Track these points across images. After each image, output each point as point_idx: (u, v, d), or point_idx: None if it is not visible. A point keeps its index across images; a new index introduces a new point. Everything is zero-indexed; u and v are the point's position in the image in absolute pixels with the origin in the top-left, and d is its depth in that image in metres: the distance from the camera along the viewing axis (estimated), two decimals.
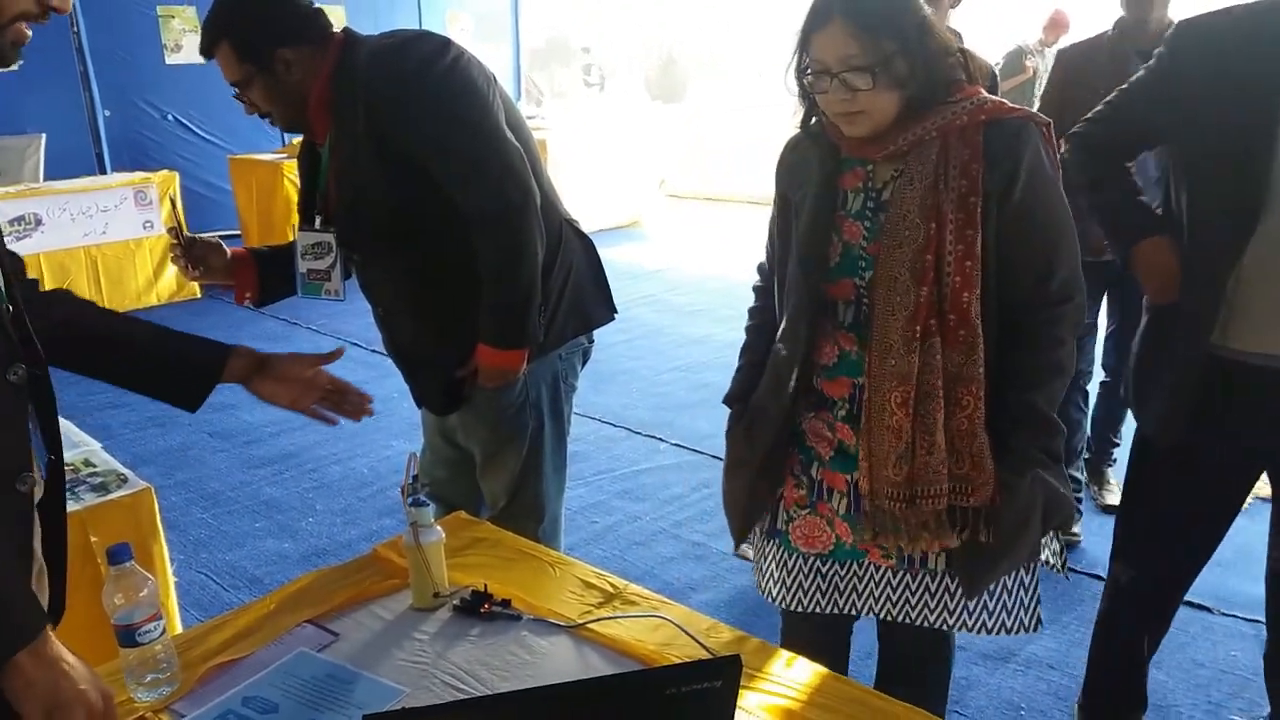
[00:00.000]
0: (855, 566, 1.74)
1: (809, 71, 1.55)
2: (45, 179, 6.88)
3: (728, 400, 1.86)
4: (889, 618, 1.75)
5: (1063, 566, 1.81)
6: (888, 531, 1.62)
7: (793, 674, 1.42)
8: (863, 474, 1.62)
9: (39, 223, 5.99)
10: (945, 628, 1.73)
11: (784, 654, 1.48)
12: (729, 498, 1.85)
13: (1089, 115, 2.06)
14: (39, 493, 1.24)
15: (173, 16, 8.13)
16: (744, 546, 1.93)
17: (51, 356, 1.27)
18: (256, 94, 1.93)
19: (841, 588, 1.76)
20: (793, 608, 1.81)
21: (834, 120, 1.58)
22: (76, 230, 6.16)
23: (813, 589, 1.78)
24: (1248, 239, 1.73)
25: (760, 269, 1.90)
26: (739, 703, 1.27)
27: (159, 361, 1.56)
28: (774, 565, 1.83)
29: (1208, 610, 2.88)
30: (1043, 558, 1.76)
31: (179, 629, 2.30)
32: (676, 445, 4.23)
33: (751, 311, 1.89)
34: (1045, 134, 1.57)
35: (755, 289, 1.90)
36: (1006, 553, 1.62)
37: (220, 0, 1.91)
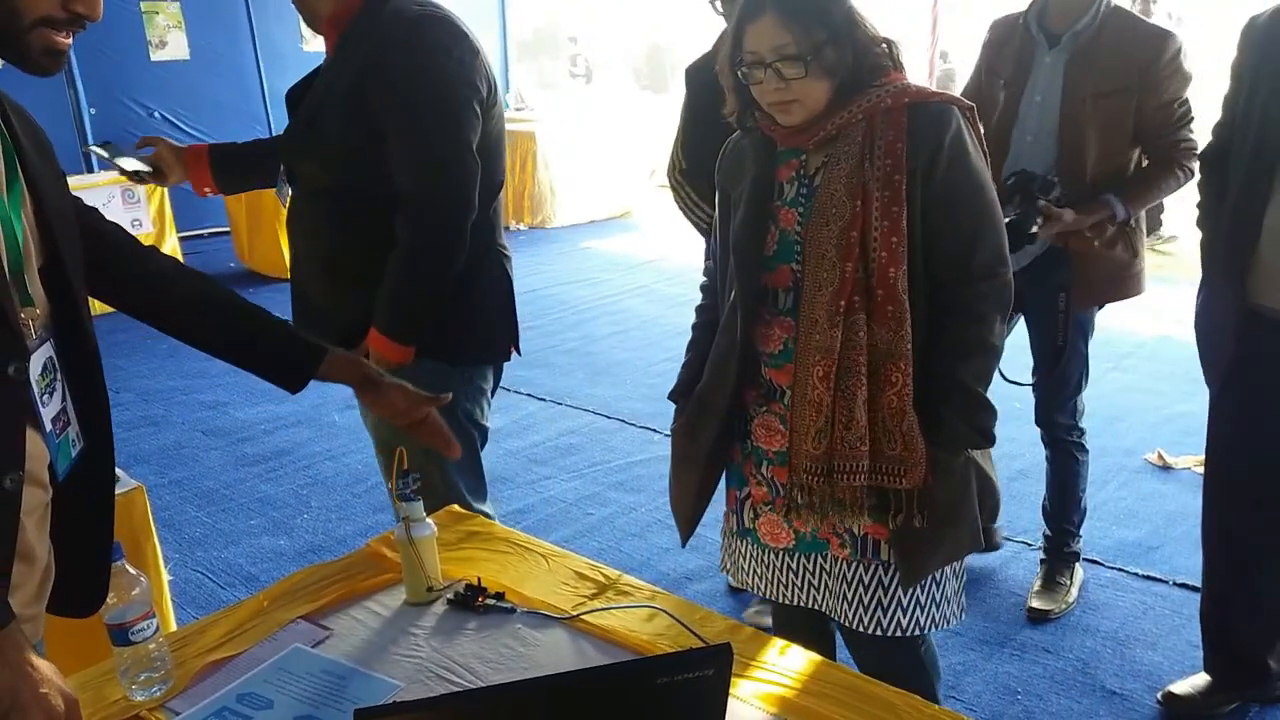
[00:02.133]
0: (820, 559, 1.76)
1: (743, 64, 1.59)
2: None
3: (672, 396, 1.89)
4: (846, 623, 1.74)
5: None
6: (800, 508, 1.65)
7: (786, 661, 1.42)
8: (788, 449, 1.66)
9: None
10: (898, 632, 1.71)
11: (777, 642, 1.48)
12: (675, 495, 1.89)
13: (1214, 134, 2.16)
14: (43, 495, 1.23)
15: (157, 12, 8.07)
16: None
17: (146, 316, 1.44)
18: None
19: (814, 581, 1.78)
20: (773, 598, 1.84)
21: (769, 110, 1.62)
22: None
23: (789, 581, 1.80)
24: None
25: (706, 269, 1.93)
26: (732, 691, 1.28)
27: (260, 344, 1.58)
28: (753, 562, 1.85)
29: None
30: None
31: (174, 627, 2.30)
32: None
33: (698, 309, 1.92)
34: (969, 117, 1.62)
35: (702, 288, 1.93)
36: (944, 538, 1.64)
37: None
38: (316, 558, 3.22)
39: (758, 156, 1.71)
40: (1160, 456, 3.81)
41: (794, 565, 1.79)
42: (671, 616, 1.50)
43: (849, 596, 1.73)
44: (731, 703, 1.23)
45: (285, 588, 1.65)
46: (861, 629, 1.72)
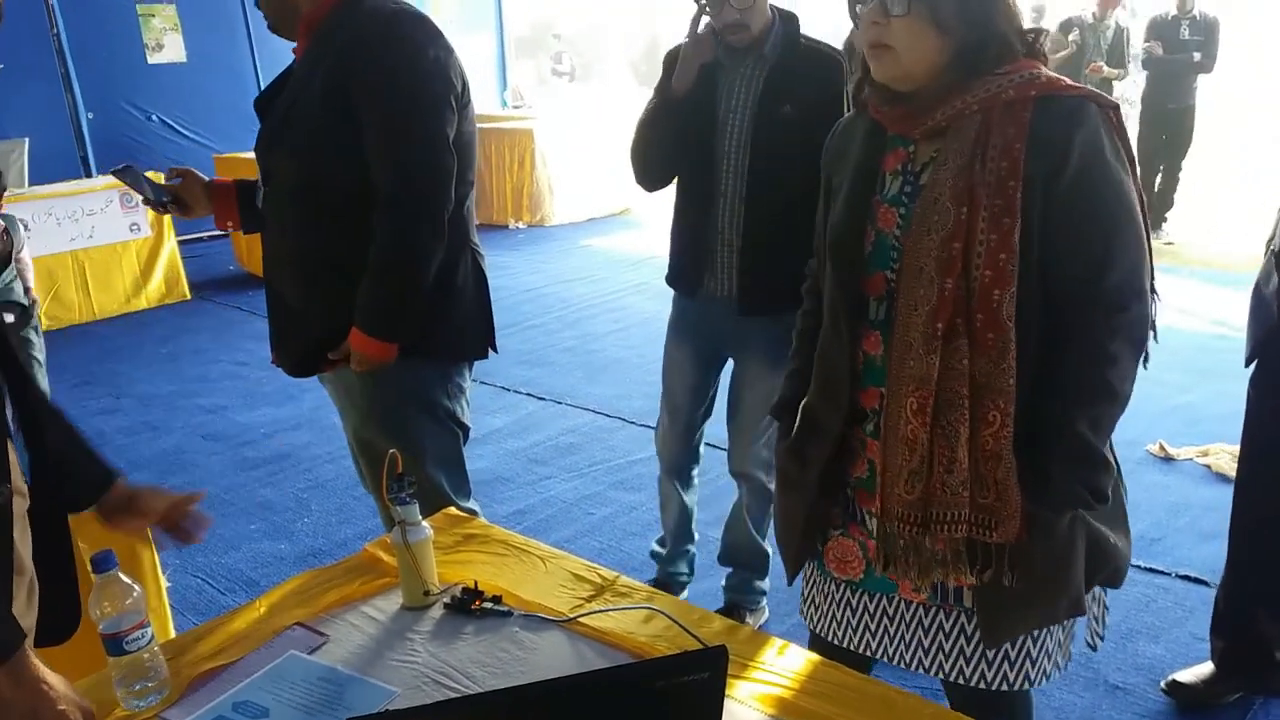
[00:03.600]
0: (885, 602, 1.58)
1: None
2: (30, 184, 6.84)
3: (774, 412, 1.72)
4: (922, 670, 1.57)
5: (1098, 637, 1.62)
6: (898, 558, 1.46)
7: (784, 662, 1.41)
8: (877, 491, 1.47)
9: (25, 229, 5.93)
10: (982, 684, 1.53)
11: (776, 642, 1.47)
12: (781, 527, 1.69)
13: None
14: (23, 503, 1.23)
15: (153, 15, 8.07)
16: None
17: None
18: None
19: (872, 626, 1.60)
20: (822, 635, 1.69)
21: (867, 57, 1.42)
22: (63, 235, 6.13)
23: (844, 621, 1.64)
24: None
25: (808, 267, 1.75)
26: (730, 692, 1.27)
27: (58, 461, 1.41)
28: (812, 588, 1.70)
29: (1205, 584, 2.88)
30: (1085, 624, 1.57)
31: (173, 634, 2.29)
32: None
33: (801, 314, 1.72)
34: (1111, 117, 1.39)
35: (805, 290, 1.74)
36: (1036, 601, 1.44)
37: None
38: (317, 561, 3.22)
39: (865, 140, 1.51)
40: (1162, 448, 3.80)
41: (854, 603, 1.61)
42: (669, 617, 1.49)
43: (925, 643, 1.55)
44: (729, 704, 1.22)
45: (281, 593, 1.64)
46: (941, 676, 1.56)
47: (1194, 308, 5.49)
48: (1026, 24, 1.44)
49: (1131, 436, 3.92)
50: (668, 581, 2.84)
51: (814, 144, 2.27)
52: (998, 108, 1.36)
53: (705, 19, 2.23)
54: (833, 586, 1.64)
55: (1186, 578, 2.94)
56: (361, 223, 1.96)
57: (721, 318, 2.46)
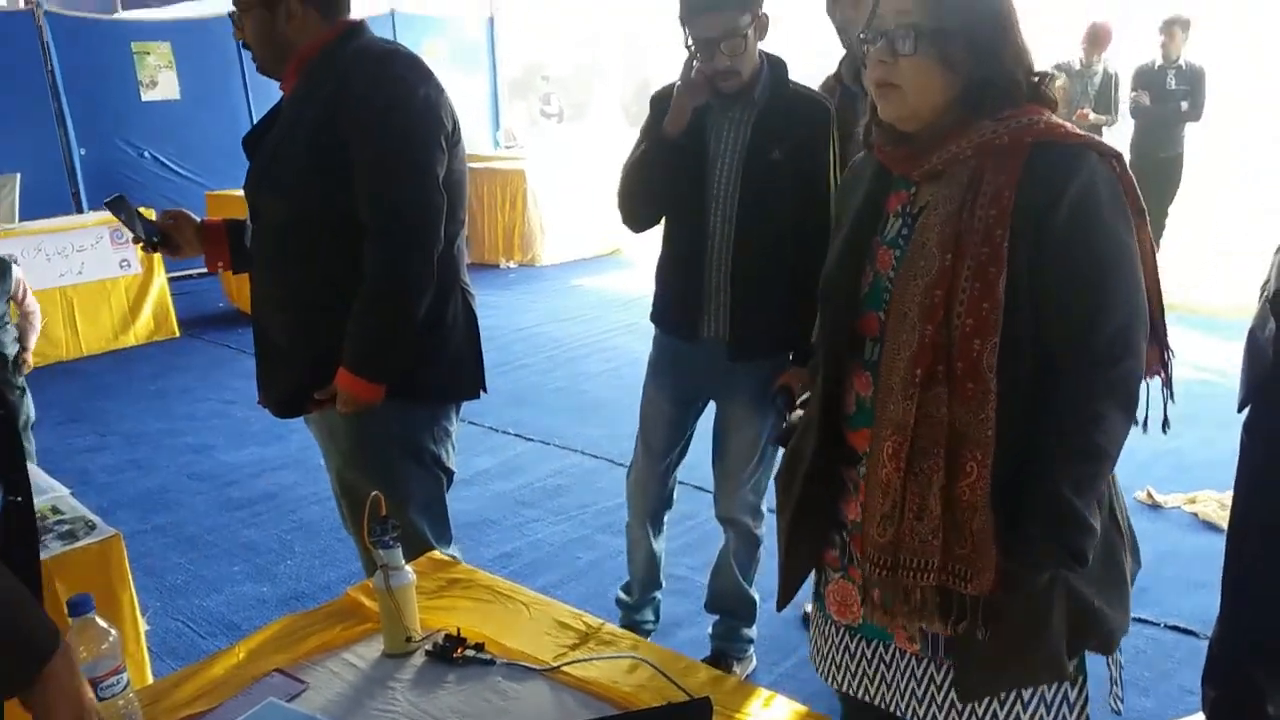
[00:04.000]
0: (882, 649, 1.56)
1: (867, 37, 1.41)
2: (21, 219, 6.83)
3: (779, 440, 1.76)
4: (905, 717, 1.55)
5: (1119, 700, 1.57)
6: (872, 600, 1.44)
7: (770, 713, 1.40)
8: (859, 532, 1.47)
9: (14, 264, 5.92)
10: None
11: (762, 693, 1.45)
12: (778, 549, 1.66)
13: None
14: None
15: (148, 53, 8.11)
16: None
17: None
18: (250, 25, 2.00)
19: (870, 674, 1.58)
20: (827, 682, 1.67)
21: (873, 95, 1.43)
22: (52, 270, 6.12)
23: (844, 667, 1.62)
24: None
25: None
26: None
27: None
28: (816, 634, 1.68)
29: (1194, 635, 2.87)
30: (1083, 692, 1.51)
31: (150, 679, 2.26)
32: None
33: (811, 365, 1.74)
34: (1115, 166, 1.36)
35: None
36: (1009, 659, 1.41)
37: None
38: (299, 605, 3.18)
39: (872, 180, 1.51)
40: (1149, 495, 3.80)
41: (853, 649, 1.60)
42: (654, 667, 1.48)
43: (919, 694, 1.52)
44: None
45: (261, 639, 1.62)
46: None
47: (1179, 354, 5.49)
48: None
49: (1119, 483, 3.90)
50: (634, 630, 2.81)
51: (802, 188, 2.31)
52: (992, 153, 1.35)
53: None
54: (834, 631, 1.62)
55: (1175, 628, 2.92)
56: (350, 262, 1.96)
57: (709, 360, 2.45)
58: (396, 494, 2.06)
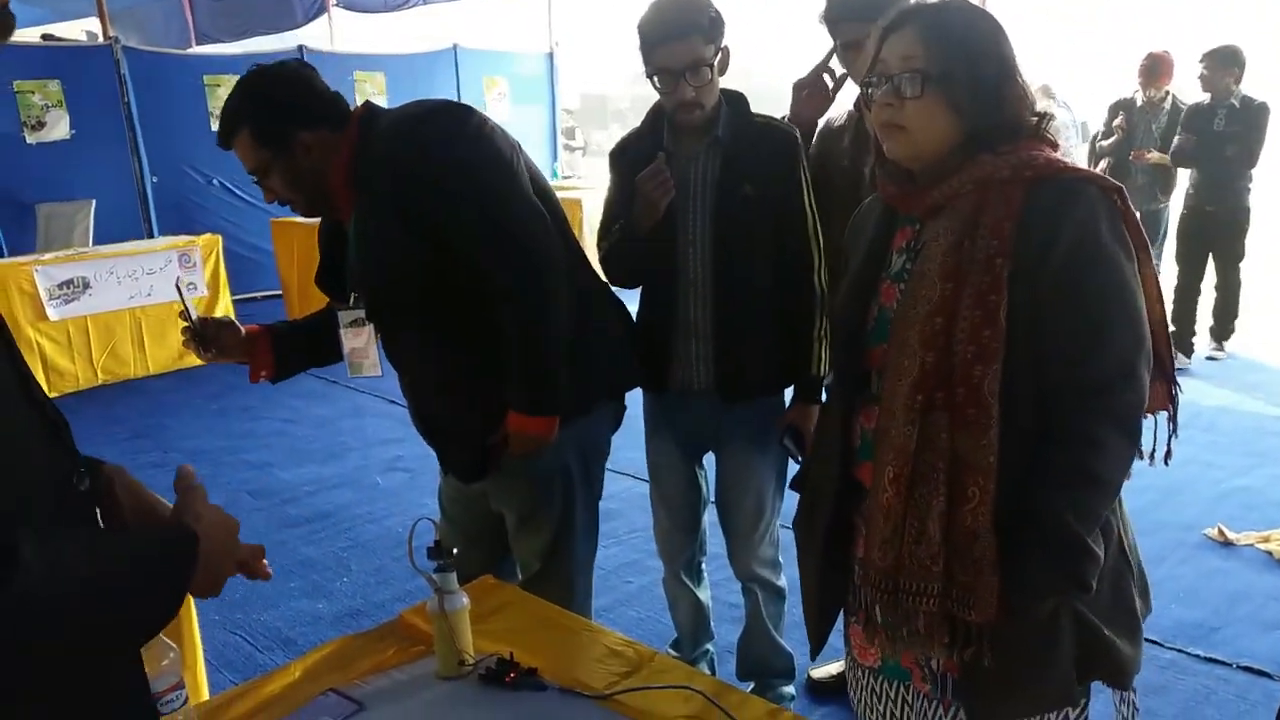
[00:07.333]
0: (903, 690, 1.55)
1: (872, 81, 1.44)
2: (95, 243, 7.06)
3: (792, 485, 1.75)
4: None
5: None
6: (874, 626, 1.44)
7: None
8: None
9: (86, 286, 6.12)
10: None
11: None
12: (804, 596, 1.67)
13: None
14: None
15: (219, 85, 8.37)
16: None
17: None
18: (277, 180, 1.93)
19: (897, 714, 1.58)
20: None
21: (879, 135, 1.46)
22: (123, 293, 6.30)
23: (873, 708, 1.62)
24: None
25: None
26: None
27: None
28: (849, 673, 1.68)
29: (1269, 677, 2.76)
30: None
31: (206, 694, 2.29)
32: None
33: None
34: (1116, 201, 1.38)
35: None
36: (1016, 687, 1.41)
37: (236, 91, 1.93)
38: (354, 623, 3.20)
39: (879, 219, 1.54)
40: (1221, 532, 3.67)
41: (878, 689, 1.60)
42: (707, 698, 1.45)
43: None
44: None
45: (317, 658, 1.64)
46: None
47: (1253, 389, 5.40)
48: (1039, 105, 1.46)
49: (1189, 520, 3.79)
50: None
51: (776, 220, 2.24)
52: (993, 187, 1.38)
53: (665, 168, 2.16)
54: (861, 673, 1.63)
55: (1249, 669, 2.82)
56: (484, 322, 1.94)
57: (701, 411, 2.39)
58: (565, 527, 2.13)
